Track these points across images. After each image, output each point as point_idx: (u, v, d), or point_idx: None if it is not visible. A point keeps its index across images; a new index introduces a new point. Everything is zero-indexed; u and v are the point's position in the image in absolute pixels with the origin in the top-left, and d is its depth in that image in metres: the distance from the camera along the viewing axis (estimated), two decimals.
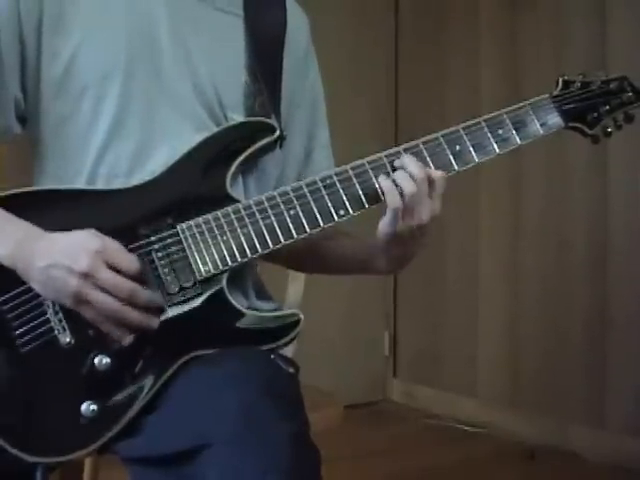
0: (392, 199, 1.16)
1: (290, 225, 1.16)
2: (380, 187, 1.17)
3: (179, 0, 1.25)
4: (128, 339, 1.09)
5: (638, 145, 2.73)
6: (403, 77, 3.75)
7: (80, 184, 1.21)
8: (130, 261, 1.09)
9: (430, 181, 1.16)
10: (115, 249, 1.09)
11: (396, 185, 1.16)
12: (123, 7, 1.22)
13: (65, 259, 1.07)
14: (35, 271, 1.08)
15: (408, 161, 1.17)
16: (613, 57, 2.83)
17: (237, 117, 1.25)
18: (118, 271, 1.08)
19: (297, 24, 1.36)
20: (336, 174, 1.19)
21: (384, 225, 1.17)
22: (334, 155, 1.42)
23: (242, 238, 1.15)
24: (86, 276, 1.06)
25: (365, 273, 1.35)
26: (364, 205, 1.19)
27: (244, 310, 1.16)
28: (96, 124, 1.20)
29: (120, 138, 1.20)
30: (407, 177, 1.16)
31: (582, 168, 2.96)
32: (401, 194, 1.15)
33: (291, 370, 1.19)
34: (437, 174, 1.17)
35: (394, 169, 1.18)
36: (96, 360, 1.09)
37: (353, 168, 1.20)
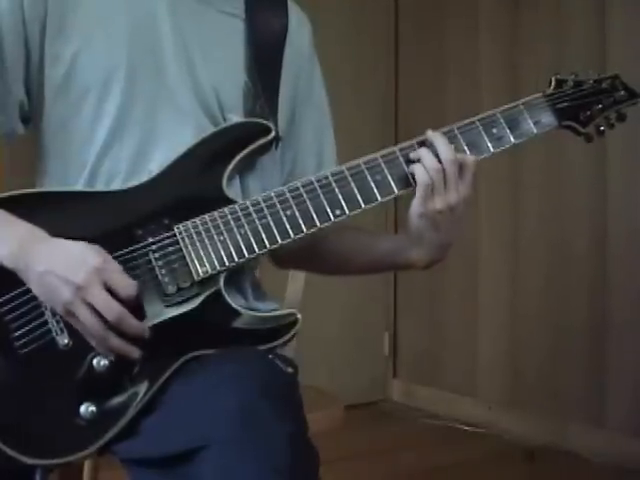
0: (422, 177, 1.17)
1: (287, 225, 1.16)
2: (409, 170, 1.19)
3: (180, 2, 1.25)
4: (110, 357, 1.09)
5: (638, 146, 2.73)
6: (403, 77, 3.75)
7: (80, 185, 1.21)
8: (127, 285, 1.08)
9: (460, 164, 1.18)
10: (115, 270, 1.08)
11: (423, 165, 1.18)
12: (124, 9, 1.22)
13: (63, 269, 1.06)
14: (33, 274, 1.08)
15: (437, 142, 1.19)
16: (613, 56, 2.83)
17: (236, 119, 1.25)
18: (113, 293, 1.07)
19: (299, 27, 1.36)
20: (332, 174, 1.20)
21: (415, 205, 1.19)
22: None
23: (239, 238, 1.15)
24: (79, 290, 1.05)
25: (395, 268, 1.36)
26: (360, 205, 1.19)
27: (242, 310, 1.16)
28: (97, 125, 1.21)
29: (121, 139, 1.21)
30: (433, 157, 1.18)
31: (582, 168, 2.95)
32: (428, 173, 1.17)
33: (290, 370, 1.19)
34: (469, 159, 1.19)
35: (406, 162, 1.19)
36: (94, 361, 1.09)
37: (349, 168, 1.20)
